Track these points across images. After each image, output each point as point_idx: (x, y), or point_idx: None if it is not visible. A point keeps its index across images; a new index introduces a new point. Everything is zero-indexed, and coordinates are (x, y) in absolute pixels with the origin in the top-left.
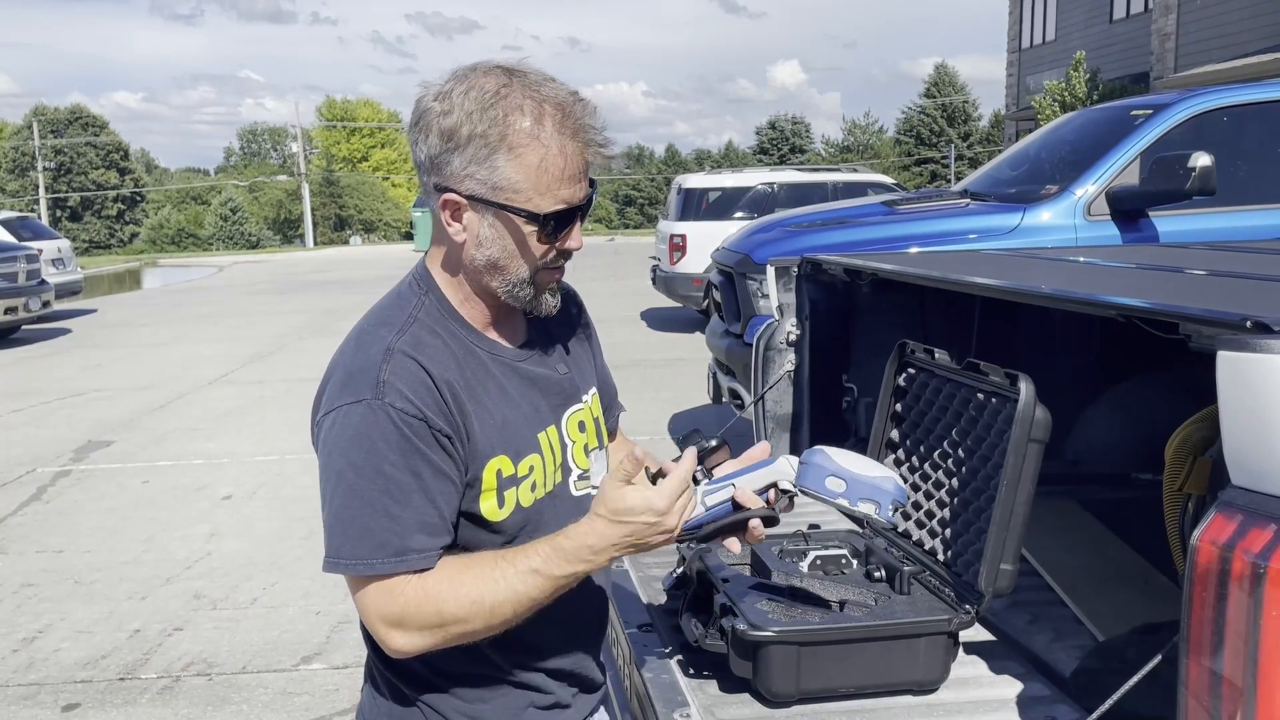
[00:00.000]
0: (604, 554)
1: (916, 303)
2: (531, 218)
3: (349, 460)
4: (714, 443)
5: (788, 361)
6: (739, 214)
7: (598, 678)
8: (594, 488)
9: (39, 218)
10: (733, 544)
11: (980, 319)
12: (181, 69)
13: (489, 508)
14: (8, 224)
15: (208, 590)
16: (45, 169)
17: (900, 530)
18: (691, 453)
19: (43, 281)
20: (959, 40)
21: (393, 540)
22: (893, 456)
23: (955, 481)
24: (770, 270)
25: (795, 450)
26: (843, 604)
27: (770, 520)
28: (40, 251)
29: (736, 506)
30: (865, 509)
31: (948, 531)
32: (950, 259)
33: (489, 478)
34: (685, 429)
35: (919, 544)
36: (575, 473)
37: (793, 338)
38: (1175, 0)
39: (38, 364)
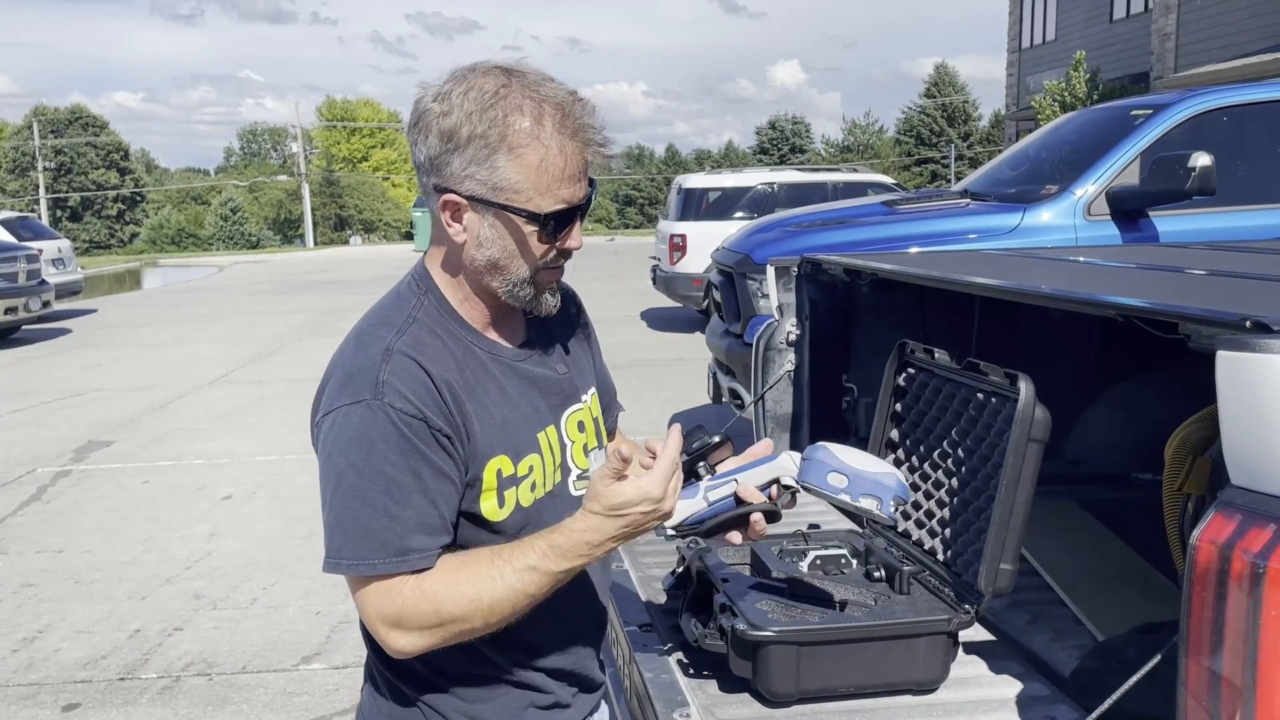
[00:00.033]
0: (603, 547)
1: (916, 303)
2: (532, 218)
3: (349, 461)
4: (717, 439)
5: (788, 361)
6: (739, 214)
7: (598, 677)
8: None
9: (39, 218)
10: (734, 535)
11: (980, 319)
12: (181, 69)
13: (489, 508)
14: (8, 224)
15: (208, 590)
16: (45, 169)
17: (900, 530)
18: (677, 431)
19: (43, 281)
20: (959, 40)
21: (393, 540)
22: (892, 456)
23: (955, 481)
24: (770, 270)
25: (796, 450)
26: (842, 604)
27: (772, 515)
28: (40, 251)
29: (739, 501)
30: (867, 504)
31: (947, 531)
32: (950, 259)
33: (489, 478)
34: (686, 428)
35: (919, 544)
36: (575, 473)
37: (793, 338)
38: (1175, 0)
39: (38, 364)
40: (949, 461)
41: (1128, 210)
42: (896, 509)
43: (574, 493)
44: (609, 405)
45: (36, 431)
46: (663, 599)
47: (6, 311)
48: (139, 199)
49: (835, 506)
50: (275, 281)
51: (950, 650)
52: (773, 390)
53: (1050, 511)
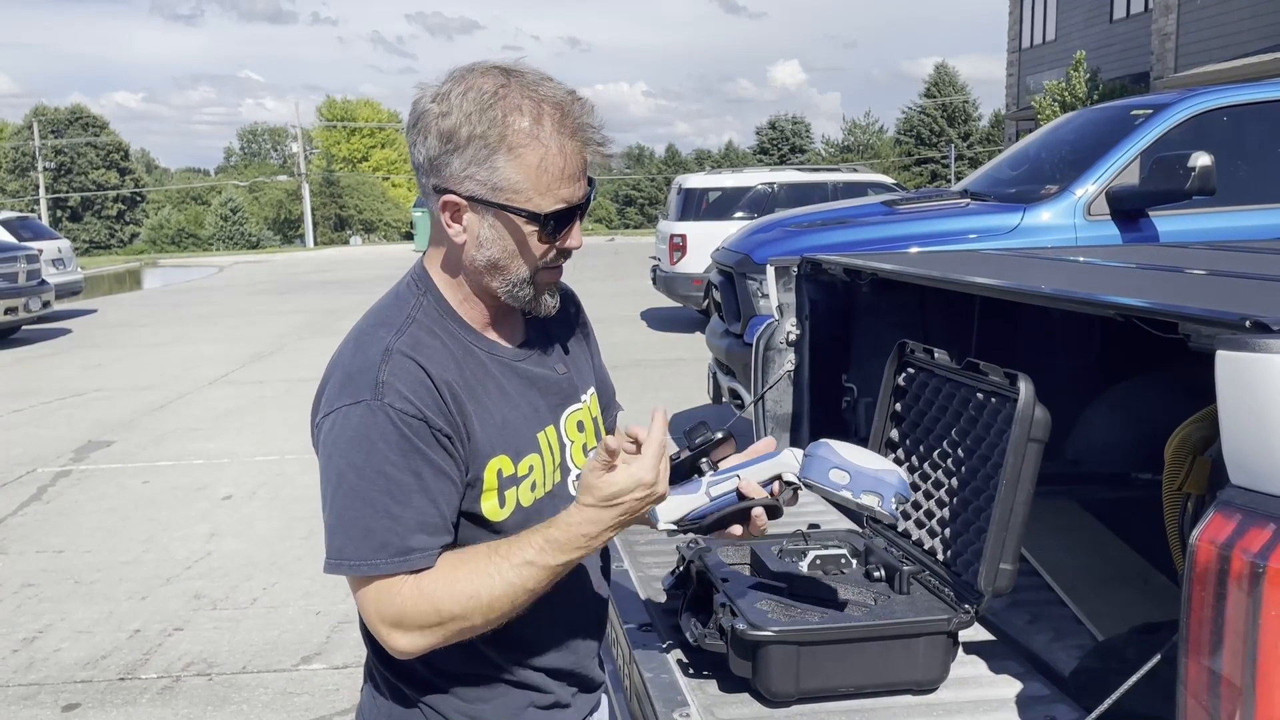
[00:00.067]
0: (601, 538)
1: (916, 303)
2: (532, 218)
3: (349, 461)
4: (719, 435)
5: (788, 361)
6: (739, 214)
7: (597, 677)
8: None
9: (39, 218)
10: (734, 529)
11: (980, 319)
12: (181, 69)
13: (490, 507)
14: (8, 224)
15: (208, 590)
16: (45, 169)
17: (900, 529)
18: (661, 414)
19: (43, 282)
20: (959, 40)
21: (394, 540)
22: (892, 456)
23: (955, 481)
24: (770, 270)
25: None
26: (842, 603)
27: (774, 511)
28: (40, 252)
29: (741, 497)
30: (868, 501)
31: (947, 531)
32: (950, 259)
33: (490, 477)
34: (687, 426)
35: (918, 543)
36: (574, 472)
37: (793, 338)
38: (1175, 0)
39: (38, 364)
40: (949, 461)
41: (1128, 210)
42: (898, 506)
43: (574, 492)
44: (608, 405)
45: (36, 431)
46: (663, 599)
47: (6, 311)
48: (139, 199)
49: (837, 503)
50: (275, 281)
51: (950, 650)
52: (773, 390)
53: (1050, 511)
